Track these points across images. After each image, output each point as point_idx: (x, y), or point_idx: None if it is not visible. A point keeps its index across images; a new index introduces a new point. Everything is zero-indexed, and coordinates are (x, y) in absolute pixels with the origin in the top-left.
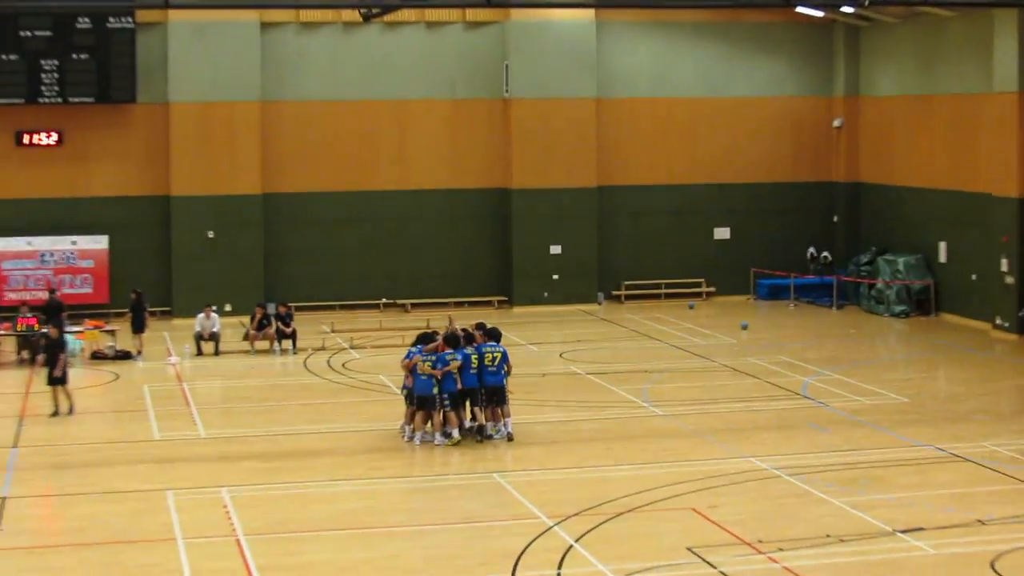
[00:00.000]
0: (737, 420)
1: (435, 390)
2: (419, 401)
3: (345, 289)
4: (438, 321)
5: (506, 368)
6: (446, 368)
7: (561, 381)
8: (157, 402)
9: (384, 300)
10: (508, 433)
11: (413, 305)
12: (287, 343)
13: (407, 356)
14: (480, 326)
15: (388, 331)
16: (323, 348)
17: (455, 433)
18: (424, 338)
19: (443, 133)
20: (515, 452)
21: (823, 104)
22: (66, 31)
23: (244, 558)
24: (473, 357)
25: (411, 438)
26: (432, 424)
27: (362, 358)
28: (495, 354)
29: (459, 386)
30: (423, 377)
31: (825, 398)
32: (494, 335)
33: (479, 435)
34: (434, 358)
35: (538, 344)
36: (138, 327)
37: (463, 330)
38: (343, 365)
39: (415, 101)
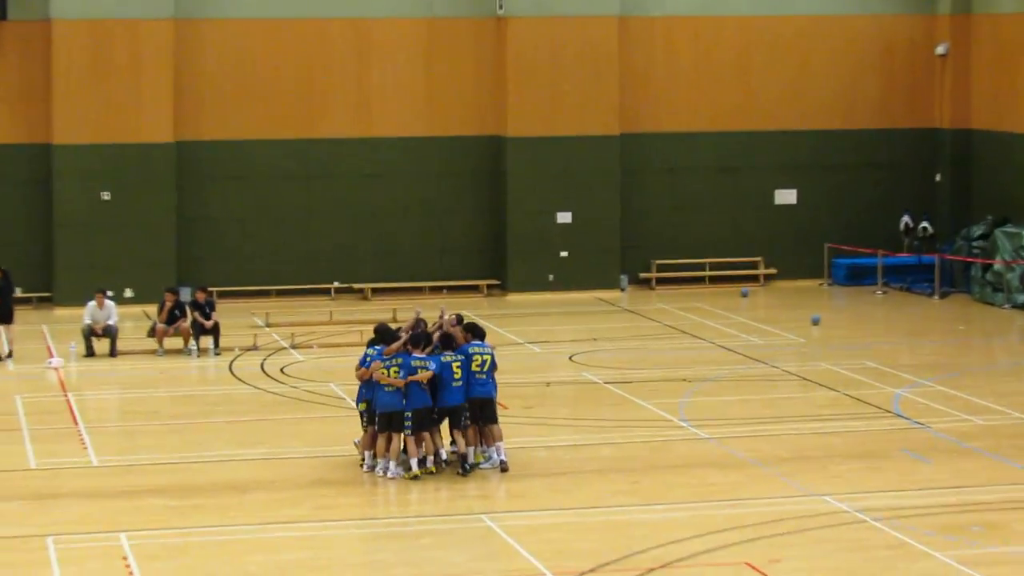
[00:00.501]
0: (807, 446)
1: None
2: (382, 421)
3: (285, 270)
4: (407, 312)
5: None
6: (412, 377)
7: (571, 392)
8: (33, 419)
9: (336, 284)
10: (501, 461)
11: (375, 291)
12: (207, 340)
13: (362, 362)
14: (459, 319)
15: (341, 325)
16: (255, 348)
17: (414, 465)
18: (382, 334)
19: (416, 64)
20: (510, 486)
21: (922, 25)
22: None
23: None
24: (455, 365)
25: (372, 468)
26: (391, 450)
27: (307, 361)
28: (484, 356)
29: (434, 403)
30: (387, 389)
31: (925, 417)
32: (478, 333)
33: (462, 466)
34: (400, 361)
35: (541, 344)
36: (4, 317)
37: (440, 328)
38: (281, 370)
39: (379, 21)
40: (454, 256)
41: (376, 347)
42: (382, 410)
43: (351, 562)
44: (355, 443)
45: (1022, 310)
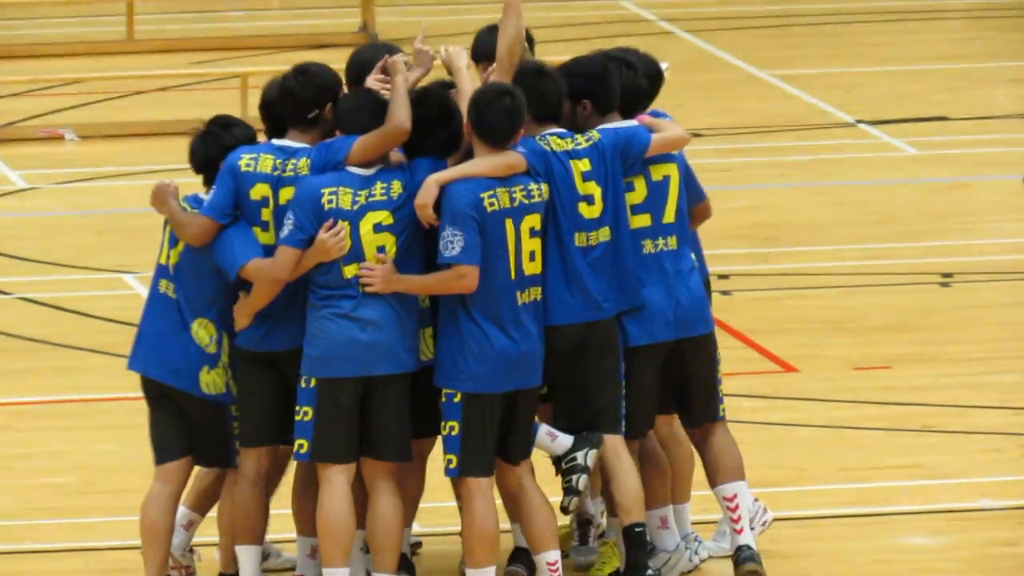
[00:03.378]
0: None
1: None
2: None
3: None
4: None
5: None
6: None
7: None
8: None
9: None
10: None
11: None
12: None
13: (211, 207)
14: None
15: (150, 59)
16: None
17: None
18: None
19: None
20: None
21: None
22: None
23: None
24: (509, 221)
25: None
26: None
27: (36, 196)
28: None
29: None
30: (358, 291)
31: None
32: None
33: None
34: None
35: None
36: None
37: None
38: None
39: None
40: None
41: (276, 142)
42: (341, 369)
43: None
44: (215, 557)
45: None
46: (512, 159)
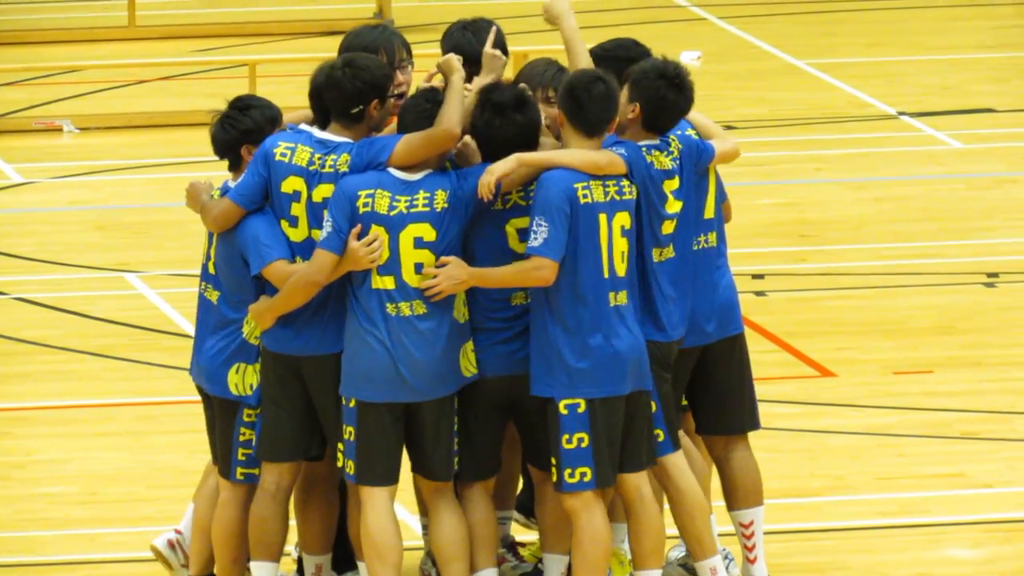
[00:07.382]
0: None
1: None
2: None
3: None
4: None
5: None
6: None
7: None
8: None
9: None
10: None
11: None
12: None
13: (239, 192)
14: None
15: (151, 47)
16: None
17: None
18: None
19: None
20: None
21: None
22: None
23: None
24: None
25: None
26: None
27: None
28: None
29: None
30: (414, 311)
31: None
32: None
33: None
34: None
35: None
36: None
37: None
38: None
39: None
40: None
41: (302, 126)
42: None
43: None
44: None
45: None
46: (603, 159)
